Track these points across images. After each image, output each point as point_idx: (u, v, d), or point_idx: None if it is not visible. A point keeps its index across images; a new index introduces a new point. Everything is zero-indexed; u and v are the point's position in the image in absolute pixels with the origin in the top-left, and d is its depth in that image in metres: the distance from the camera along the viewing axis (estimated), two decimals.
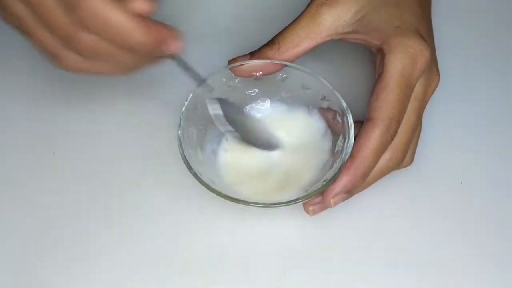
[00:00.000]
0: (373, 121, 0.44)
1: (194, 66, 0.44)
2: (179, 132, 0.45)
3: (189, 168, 0.44)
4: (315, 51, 0.49)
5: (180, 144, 0.45)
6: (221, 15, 0.60)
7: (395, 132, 0.45)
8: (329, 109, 0.48)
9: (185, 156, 0.44)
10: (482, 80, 0.56)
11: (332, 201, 0.44)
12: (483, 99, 0.55)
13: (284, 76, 0.49)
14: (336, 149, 0.47)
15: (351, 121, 0.46)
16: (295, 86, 0.49)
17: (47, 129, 0.52)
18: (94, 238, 0.47)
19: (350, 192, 0.45)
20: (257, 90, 0.50)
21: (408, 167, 0.47)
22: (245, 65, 0.48)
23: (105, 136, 0.52)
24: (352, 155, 0.44)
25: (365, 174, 0.44)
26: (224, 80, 0.49)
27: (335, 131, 0.48)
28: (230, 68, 0.48)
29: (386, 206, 0.49)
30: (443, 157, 0.51)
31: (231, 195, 0.44)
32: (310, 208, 0.46)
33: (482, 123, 0.53)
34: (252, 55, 0.49)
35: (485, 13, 0.61)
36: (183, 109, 0.46)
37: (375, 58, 0.48)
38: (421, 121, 0.48)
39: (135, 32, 0.36)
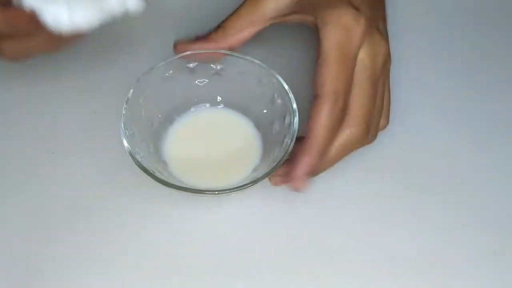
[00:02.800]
0: (319, 98, 0.44)
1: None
2: (123, 130, 0.46)
3: (144, 170, 0.45)
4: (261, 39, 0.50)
5: (129, 149, 0.45)
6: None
7: (345, 105, 0.45)
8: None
9: (139, 162, 0.45)
10: (480, 78, 0.56)
11: (299, 186, 0.45)
12: (483, 99, 0.55)
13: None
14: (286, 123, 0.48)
15: (291, 95, 0.47)
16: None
17: (45, 129, 0.52)
18: (92, 238, 0.47)
19: (313, 173, 0.45)
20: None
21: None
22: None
23: (107, 138, 0.51)
24: (306, 136, 0.45)
25: (321, 152, 0.44)
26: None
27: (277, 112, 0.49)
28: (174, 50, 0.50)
29: (385, 206, 0.49)
30: (444, 157, 0.51)
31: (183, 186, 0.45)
32: (276, 179, 0.47)
33: (482, 123, 0.53)
34: (198, 38, 0.50)
35: None
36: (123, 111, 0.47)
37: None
38: (387, 92, 0.48)
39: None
